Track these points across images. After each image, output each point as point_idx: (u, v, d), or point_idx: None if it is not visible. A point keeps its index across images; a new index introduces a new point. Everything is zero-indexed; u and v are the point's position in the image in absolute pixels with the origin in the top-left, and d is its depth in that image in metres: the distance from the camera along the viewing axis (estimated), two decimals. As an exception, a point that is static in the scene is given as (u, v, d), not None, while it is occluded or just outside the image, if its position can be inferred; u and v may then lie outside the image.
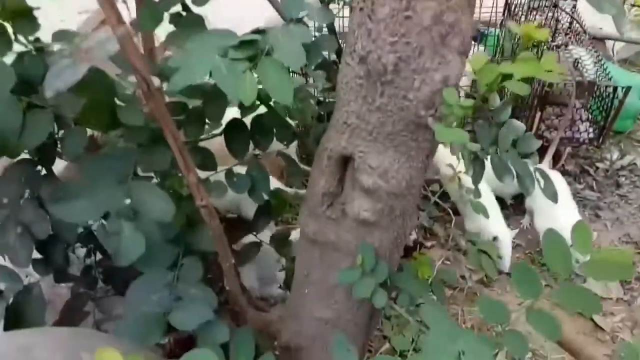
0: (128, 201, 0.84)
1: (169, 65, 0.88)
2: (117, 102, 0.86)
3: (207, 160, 1.07)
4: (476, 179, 1.18)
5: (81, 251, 1.40)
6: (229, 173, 1.12)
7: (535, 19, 1.99)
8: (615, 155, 2.55)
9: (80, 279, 1.38)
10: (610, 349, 1.76)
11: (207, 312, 0.93)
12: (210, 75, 0.79)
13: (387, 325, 1.66)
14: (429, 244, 2.21)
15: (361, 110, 0.89)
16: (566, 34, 2.25)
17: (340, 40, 1.08)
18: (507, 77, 0.68)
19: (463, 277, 2.05)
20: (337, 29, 1.50)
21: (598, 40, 2.75)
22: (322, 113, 1.20)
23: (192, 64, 0.80)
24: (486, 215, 1.55)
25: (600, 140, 2.15)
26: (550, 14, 1.86)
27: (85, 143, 0.91)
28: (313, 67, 1.12)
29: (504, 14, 2.58)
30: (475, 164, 1.18)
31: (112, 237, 0.81)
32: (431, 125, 0.84)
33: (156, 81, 0.68)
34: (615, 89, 2.01)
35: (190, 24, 0.95)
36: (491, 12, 2.57)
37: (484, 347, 0.84)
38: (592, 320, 1.89)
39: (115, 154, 0.89)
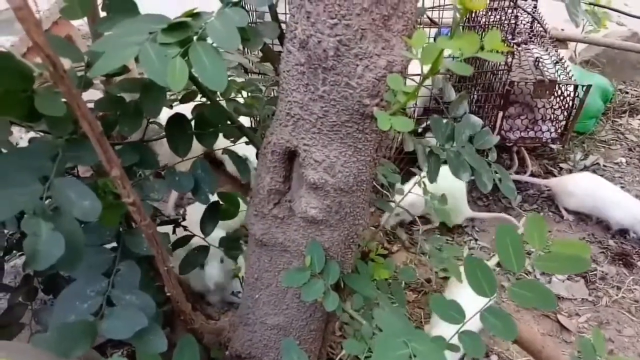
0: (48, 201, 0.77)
1: (93, 51, 0.81)
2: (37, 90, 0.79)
3: (146, 158, 1.00)
4: (432, 176, 1.14)
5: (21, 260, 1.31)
6: (171, 172, 1.05)
7: (495, 18, 1.97)
8: (579, 155, 2.55)
9: (17, 289, 1.30)
10: (576, 350, 1.74)
11: (141, 320, 0.85)
12: (137, 60, 0.73)
13: (350, 330, 1.59)
14: (394, 248, 2.17)
15: (304, 100, 0.83)
16: (528, 34, 2.24)
17: (284, 28, 1.02)
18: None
19: (429, 280, 2.01)
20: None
21: (560, 42, 2.76)
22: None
23: (117, 47, 0.73)
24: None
25: (563, 139, 2.15)
26: (510, 12, 1.84)
27: (5, 135, 0.83)
28: (260, 60, 1.06)
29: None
30: (431, 159, 1.14)
31: (28, 238, 0.73)
32: (376, 115, 0.79)
33: (66, 64, 0.62)
34: (576, 87, 2.01)
35: (121, 9, 0.89)
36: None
37: (436, 349, 0.79)
38: (557, 321, 1.87)
39: (32, 148, 0.81)
